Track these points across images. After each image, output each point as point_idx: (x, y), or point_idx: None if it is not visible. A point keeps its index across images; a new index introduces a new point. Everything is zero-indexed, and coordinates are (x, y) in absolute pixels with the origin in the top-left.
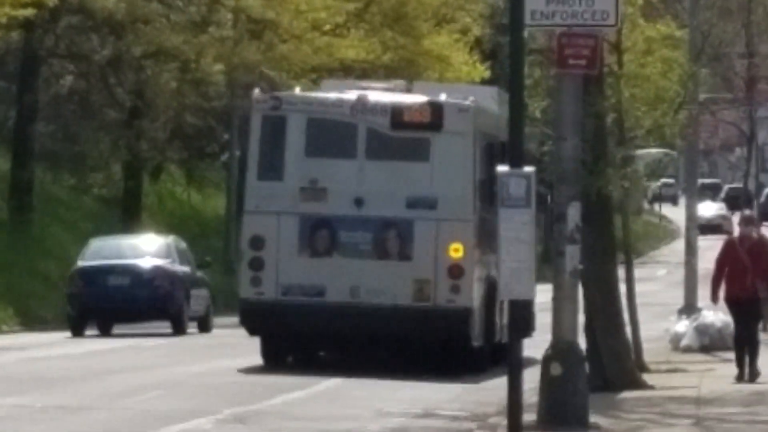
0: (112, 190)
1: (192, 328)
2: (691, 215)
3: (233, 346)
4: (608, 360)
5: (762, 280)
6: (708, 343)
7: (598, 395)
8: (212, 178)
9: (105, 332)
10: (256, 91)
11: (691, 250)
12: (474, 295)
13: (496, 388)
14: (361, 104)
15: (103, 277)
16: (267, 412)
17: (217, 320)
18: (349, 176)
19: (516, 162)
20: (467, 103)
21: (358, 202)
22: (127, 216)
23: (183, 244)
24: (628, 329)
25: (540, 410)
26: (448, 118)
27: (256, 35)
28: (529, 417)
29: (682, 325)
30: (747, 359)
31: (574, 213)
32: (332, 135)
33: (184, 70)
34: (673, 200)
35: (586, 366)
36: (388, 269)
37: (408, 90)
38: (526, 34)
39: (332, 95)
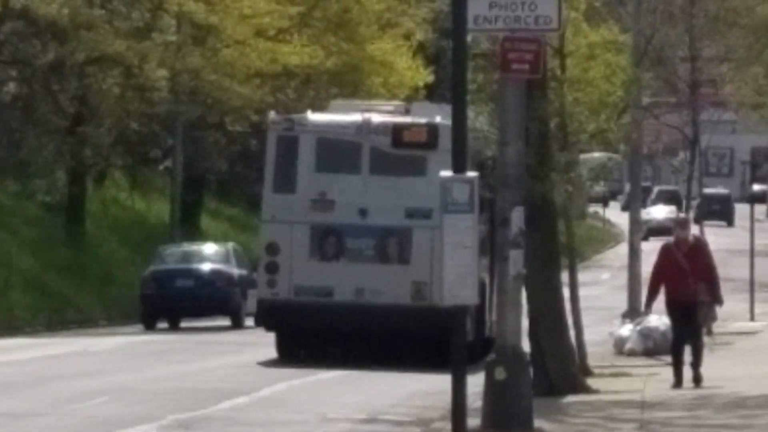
0: (56, 197)
1: (249, 322)
2: (635, 219)
3: (182, 350)
4: (552, 364)
5: (703, 283)
6: (652, 346)
7: (543, 399)
8: (156, 183)
9: (174, 327)
10: (272, 113)
11: (634, 254)
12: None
13: (441, 392)
14: (365, 125)
15: (171, 279)
16: (212, 418)
17: (164, 325)
18: (355, 189)
19: (459, 167)
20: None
21: (363, 212)
22: (71, 222)
23: (240, 250)
24: (572, 333)
25: (484, 415)
26: (443, 138)
27: (199, 41)
28: (473, 422)
29: (626, 329)
30: (689, 364)
31: (517, 217)
32: (339, 153)
33: (127, 76)
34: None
35: (531, 370)
36: (390, 272)
37: (407, 112)
38: (469, 38)
39: (339, 117)
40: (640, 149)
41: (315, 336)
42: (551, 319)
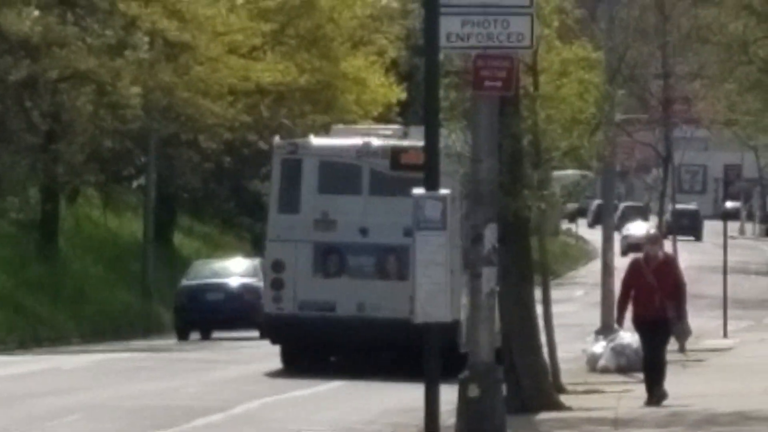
0: (29, 214)
1: None
2: (608, 236)
3: (152, 368)
4: (526, 381)
5: (670, 300)
6: (625, 363)
7: (516, 416)
8: (129, 201)
9: (205, 338)
10: (277, 138)
11: (607, 271)
12: (461, 309)
13: (418, 409)
14: (365, 149)
15: (203, 293)
16: None
17: (137, 343)
18: (355, 209)
19: (431, 184)
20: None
21: (363, 231)
22: (44, 240)
23: None
24: (545, 350)
25: (458, 431)
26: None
27: (172, 58)
28: None
29: (599, 346)
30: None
31: (490, 235)
32: (341, 175)
33: (100, 93)
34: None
35: (504, 387)
36: (389, 288)
37: (405, 135)
38: (441, 56)
39: (340, 141)
40: (613, 166)
41: (318, 348)
42: (524, 336)
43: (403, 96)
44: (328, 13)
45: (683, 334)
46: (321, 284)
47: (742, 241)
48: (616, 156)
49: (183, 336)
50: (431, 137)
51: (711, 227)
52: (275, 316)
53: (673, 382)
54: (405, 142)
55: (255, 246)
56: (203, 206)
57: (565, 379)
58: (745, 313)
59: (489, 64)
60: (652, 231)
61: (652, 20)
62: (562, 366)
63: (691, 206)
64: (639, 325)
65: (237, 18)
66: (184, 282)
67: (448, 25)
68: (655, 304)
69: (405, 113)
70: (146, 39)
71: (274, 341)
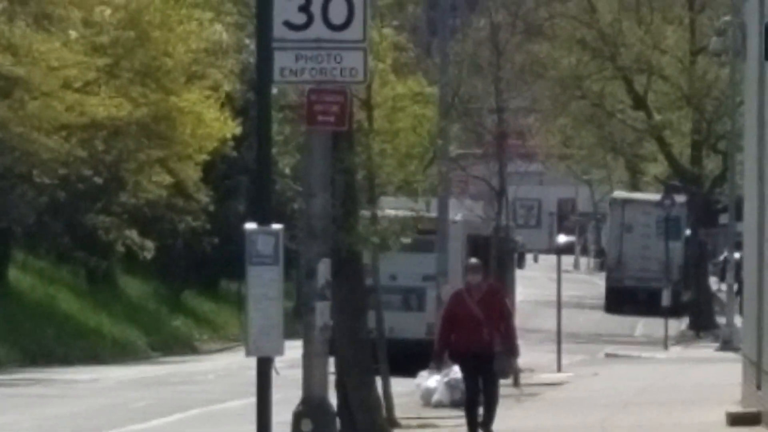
0: None
1: None
2: (441, 271)
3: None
4: (359, 416)
5: (497, 333)
6: (459, 398)
7: None
8: None
9: None
10: None
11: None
12: None
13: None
14: None
15: None
16: None
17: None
18: (388, 261)
19: (263, 219)
20: (458, 218)
21: (393, 276)
22: None
23: None
24: (379, 384)
25: None
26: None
27: (5, 93)
28: None
29: (433, 380)
30: (481, 422)
31: (324, 269)
32: None
33: None
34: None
35: (337, 422)
36: (411, 316)
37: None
38: (275, 90)
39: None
40: (446, 201)
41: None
42: (358, 371)
43: (238, 130)
44: (163, 47)
45: (507, 369)
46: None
47: (576, 275)
48: (451, 190)
49: None
50: (264, 172)
51: (546, 261)
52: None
53: (506, 416)
54: (422, 214)
55: (90, 280)
56: (38, 240)
57: (398, 413)
58: (579, 347)
59: (322, 98)
60: (473, 260)
61: (486, 55)
62: (396, 400)
63: (516, 237)
64: (462, 359)
65: (71, 52)
66: None
67: (282, 59)
68: (481, 336)
69: (239, 147)
70: None
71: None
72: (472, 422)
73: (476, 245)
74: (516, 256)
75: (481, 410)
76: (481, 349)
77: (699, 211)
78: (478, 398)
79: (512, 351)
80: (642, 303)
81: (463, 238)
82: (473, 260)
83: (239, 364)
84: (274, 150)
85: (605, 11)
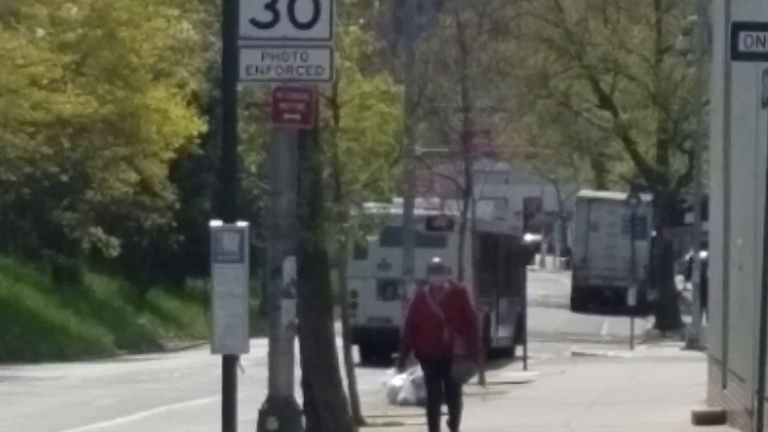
0: None
1: None
2: (408, 269)
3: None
4: (325, 414)
5: (459, 335)
6: (424, 396)
7: None
8: None
9: None
10: None
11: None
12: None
13: None
14: None
15: None
16: None
17: None
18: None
19: (229, 217)
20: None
21: (408, 271)
22: None
23: None
24: (345, 383)
25: None
26: (457, 225)
27: None
28: None
29: (399, 379)
30: (446, 422)
31: (289, 267)
32: (394, 234)
33: None
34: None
35: (303, 420)
36: None
37: (442, 206)
38: (241, 88)
39: (395, 211)
40: (412, 199)
41: (381, 347)
42: (324, 369)
43: (204, 128)
44: (130, 45)
45: (464, 373)
46: (382, 305)
47: (542, 274)
48: (416, 189)
49: None
50: (229, 170)
51: None
52: (353, 326)
53: (472, 414)
54: (436, 212)
55: (55, 278)
56: (4, 238)
57: (365, 411)
58: (545, 346)
59: (288, 96)
60: (435, 260)
61: (452, 54)
62: (362, 399)
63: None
64: (426, 363)
65: (37, 50)
66: None
67: (248, 57)
68: (443, 338)
69: (206, 145)
70: None
71: (353, 342)
72: (433, 425)
73: (486, 243)
74: (527, 255)
75: (446, 409)
76: (442, 351)
77: (665, 210)
78: (439, 401)
79: (474, 356)
80: (608, 302)
81: (472, 235)
82: (435, 260)
83: (205, 362)
84: (239, 148)
85: (571, 10)
